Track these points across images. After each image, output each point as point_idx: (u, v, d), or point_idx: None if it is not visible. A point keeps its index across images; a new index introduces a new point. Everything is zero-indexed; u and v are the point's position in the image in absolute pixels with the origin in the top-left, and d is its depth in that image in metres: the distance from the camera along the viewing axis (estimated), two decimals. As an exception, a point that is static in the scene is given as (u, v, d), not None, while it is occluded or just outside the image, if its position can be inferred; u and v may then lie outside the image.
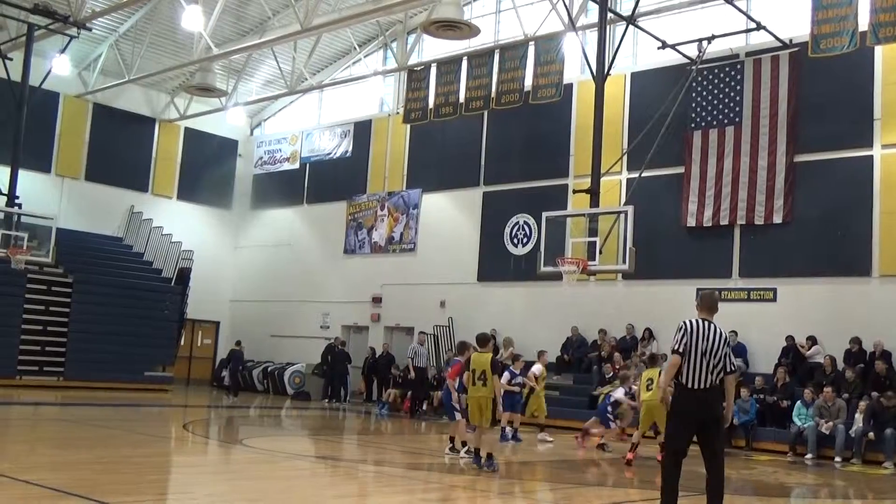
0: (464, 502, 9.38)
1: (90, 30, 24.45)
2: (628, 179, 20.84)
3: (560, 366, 21.58)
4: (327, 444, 14.98)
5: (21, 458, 9.66)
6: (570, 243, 18.32)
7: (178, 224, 28.95)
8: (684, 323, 7.60)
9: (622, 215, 17.20)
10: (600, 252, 17.77)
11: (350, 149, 28.51)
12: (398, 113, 25.99)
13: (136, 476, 9.50)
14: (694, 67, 19.77)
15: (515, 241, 23.54)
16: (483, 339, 11.66)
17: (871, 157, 18.45)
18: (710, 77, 20.34)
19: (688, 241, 20.69)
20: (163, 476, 10.30)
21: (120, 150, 28.54)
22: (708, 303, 7.87)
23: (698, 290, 20.03)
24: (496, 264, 23.70)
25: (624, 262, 17.10)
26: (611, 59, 18.59)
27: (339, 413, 22.18)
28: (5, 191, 23.79)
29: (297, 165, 30.07)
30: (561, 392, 20.74)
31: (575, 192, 20.75)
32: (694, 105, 20.44)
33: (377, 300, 26.60)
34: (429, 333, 23.83)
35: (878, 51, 18.06)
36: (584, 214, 18.53)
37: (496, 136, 24.56)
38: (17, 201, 23.61)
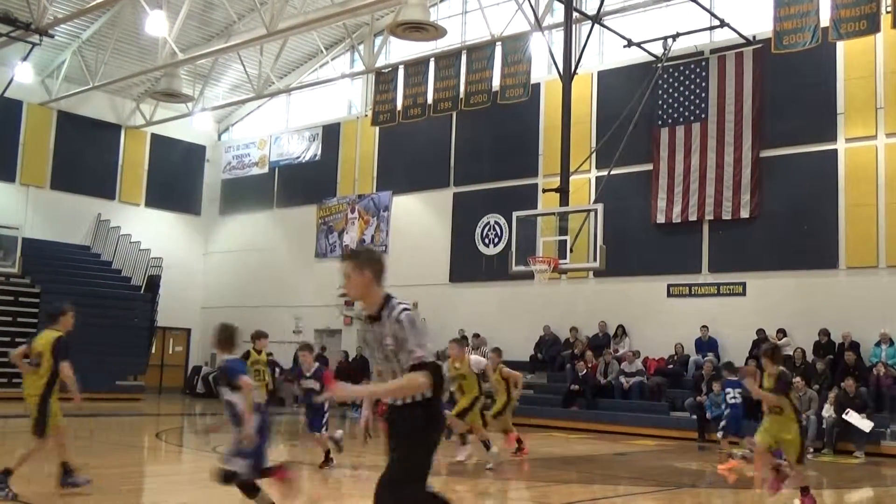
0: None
1: (52, 37, 24.14)
2: (597, 177, 20.95)
3: (534, 364, 21.63)
4: (302, 449, 14.88)
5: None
6: (541, 242, 18.40)
7: (147, 231, 28.67)
8: None
9: (592, 213, 17.31)
10: (571, 250, 17.87)
11: (319, 152, 28.41)
12: (366, 115, 25.95)
13: (109, 485, 9.38)
14: (659, 65, 19.94)
15: (487, 241, 23.57)
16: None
17: (836, 150, 18.70)
18: (676, 74, 20.50)
19: (657, 238, 20.84)
20: (137, 486, 10.20)
21: (86, 157, 28.21)
22: None
23: (669, 286, 20.42)
24: (468, 265, 23.72)
25: (595, 259, 17.21)
26: (577, 58, 18.71)
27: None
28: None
29: (266, 170, 29.91)
30: (535, 391, 20.79)
31: (545, 191, 20.88)
32: (661, 102, 20.60)
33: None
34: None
35: (840, 46, 18.32)
36: (554, 213, 18.62)
37: (465, 136, 24.59)
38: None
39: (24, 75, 25.21)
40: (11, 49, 24.58)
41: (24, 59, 24.66)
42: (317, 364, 11.67)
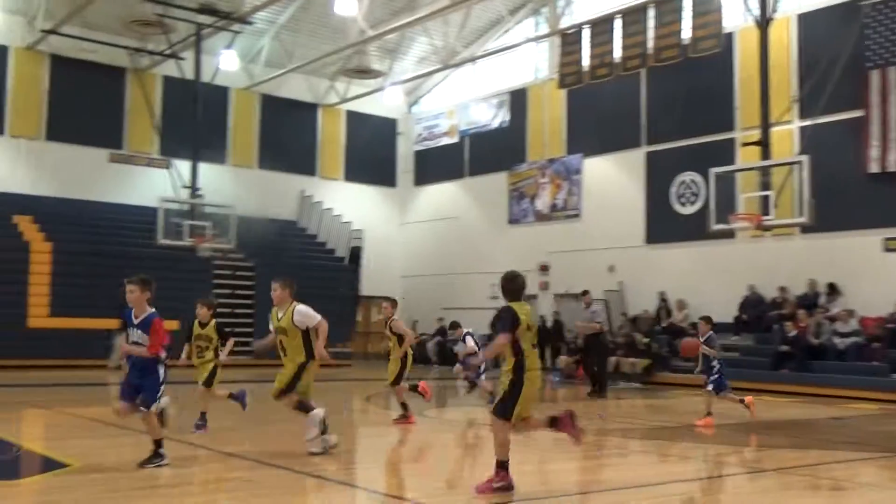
0: (652, 466, 9.28)
1: (252, 23, 25.53)
2: (801, 127, 19.83)
3: (738, 326, 20.89)
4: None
5: (220, 433, 10.29)
6: (742, 198, 17.72)
7: (347, 204, 29.98)
8: None
9: (797, 166, 16.45)
10: (775, 206, 17.10)
11: (507, 118, 28.51)
12: (553, 78, 25.71)
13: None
14: (867, 2, 18.52)
15: (683, 200, 22.89)
16: None
17: None
18: (887, 11, 18.96)
19: (871, 189, 19.46)
20: (350, 447, 10.73)
21: (287, 136, 29.76)
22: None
23: (885, 239, 19.05)
24: (664, 225, 23.16)
25: (802, 214, 16.41)
26: (773, 1, 17.71)
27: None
28: (188, 184, 25.37)
29: (456, 139, 30.38)
30: (740, 353, 20.11)
31: (743, 145, 20.02)
32: (869, 42, 19.14)
33: (544, 268, 26.57)
34: (600, 299, 23.66)
35: None
36: (755, 168, 17.86)
37: (656, 93, 23.91)
38: (198, 193, 25.13)
39: (228, 63, 26.77)
40: (216, 38, 26.18)
41: (228, 47, 26.22)
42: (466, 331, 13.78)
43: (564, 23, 24.67)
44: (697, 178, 22.16)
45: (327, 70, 29.96)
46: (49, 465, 7.96)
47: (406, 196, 32.32)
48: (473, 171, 29.68)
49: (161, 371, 7.74)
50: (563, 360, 22.60)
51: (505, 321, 6.95)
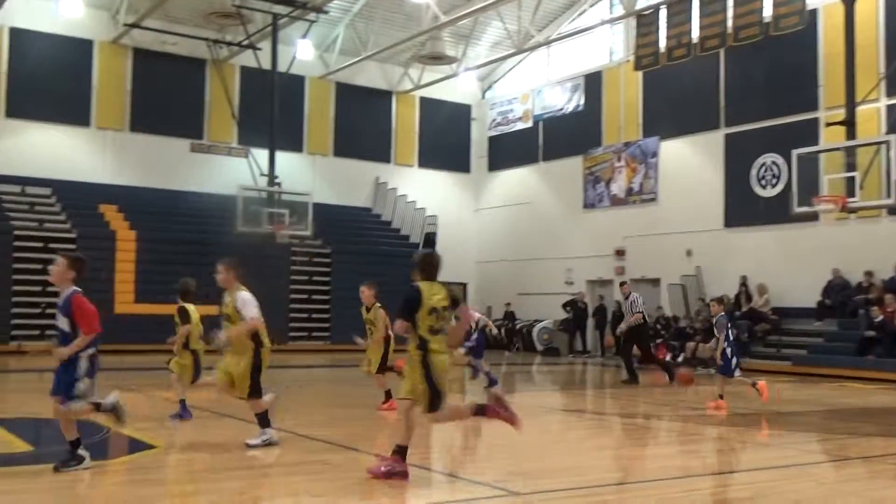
0: (732, 454, 9.14)
1: (327, 12, 25.77)
2: (888, 106, 19.17)
3: (821, 311, 20.36)
4: (579, 397, 15.10)
5: (302, 415, 10.50)
6: (826, 180, 17.25)
7: (421, 191, 30.12)
8: None
9: (884, 145, 15.92)
10: (861, 187, 16.58)
11: (582, 102, 28.23)
12: (629, 61, 25.33)
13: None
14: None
15: (763, 182, 22.36)
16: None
17: None
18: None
19: (963, 168, 18.70)
20: (426, 430, 10.81)
21: (362, 124, 30.02)
22: None
23: None
24: (744, 208, 22.68)
25: (889, 195, 15.88)
26: (861, -24, 17.13)
27: (589, 367, 22.22)
28: (266, 172, 25.81)
29: (530, 124, 30.21)
30: (824, 338, 19.60)
31: (827, 125, 19.46)
32: (963, 16, 18.37)
33: (620, 253, 26.29)
34: (677, 284, 23.38)
35: None
36: (839, 148, 17.34)
37: (735, 73, 23.37)
38: (276, 181, 25.54)
39: (304, 52, 27.08)
40: (292, 28, 26.51)
41: (304, 36, 26.52)
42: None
43: (640, 3, 24.24)
44: (779, 159, 21.62)
45: (401, 57, 30.06)
46: (136, 446, 8.23)
47: (480, 182, 32.30)
48: (548, 155, 29.49)
49: (81, 364, 6.66)
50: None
51: (403, 306, 6.70)
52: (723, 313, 12.30)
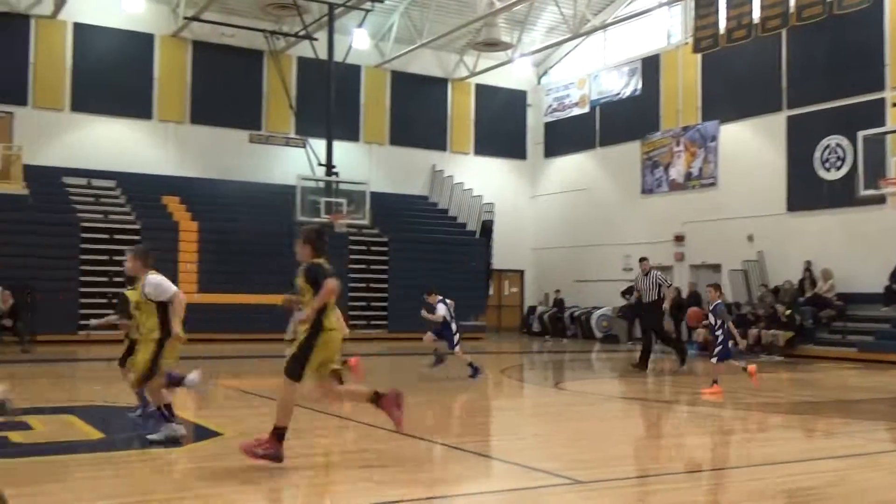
0: (798, 442, 9.00)
1: (382, 1, 25.83)
2: (959, 84, 18.59)
3: (888, 296, 19.88)
4: (639, 385, 14.96)
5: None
6: (893, 162, 16.84)
7: (478, 178, 30.10)
8: None
9: (954, 125, 15.45)
10: (930, 169, 16.12)
11: (639, 86, 27.90)
12: (687, 43, 24.96)
13: (464, 418, 10.10)
14: None
15: (827, 165, 21.87)
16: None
17: None
18: None
19: None
20: (487, 418, 10.86)
21: (418, 112, 30.09)
22: None
23: None
24: (807, 192, 22.23)
25: (960, 177, 15.41)
26: (930, -50, 16.62)
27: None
28: (323, 162, 26.04)
29: (586, 109, 29.97)
30: (892, 325, 19.15)
31: (894, 105, 18.95)
32: None
33: (679, 239, 25.98)
34: (738, 269, 23.04)
35: None
36: (907, 129, 16.87)
37: (797, 54, 22.86)
38: (333, 170, 25.76)
39: (360, 41, 27.21)
40: (348, 18, 26.65)
41: (359, 25, 26.65)
42: None
43: (698, -15, 23.82)
44: (843, 141, 21.13)
45: (456, 44, 30.02)
46: (202, 433, 8.39)
47: (536, 168, 32.16)
48: (605, 141, 29.23)
49: None
50: (700, 332, 22.09)
51: (320, 272, 6.62)
52: (720, 301, 12.11)
